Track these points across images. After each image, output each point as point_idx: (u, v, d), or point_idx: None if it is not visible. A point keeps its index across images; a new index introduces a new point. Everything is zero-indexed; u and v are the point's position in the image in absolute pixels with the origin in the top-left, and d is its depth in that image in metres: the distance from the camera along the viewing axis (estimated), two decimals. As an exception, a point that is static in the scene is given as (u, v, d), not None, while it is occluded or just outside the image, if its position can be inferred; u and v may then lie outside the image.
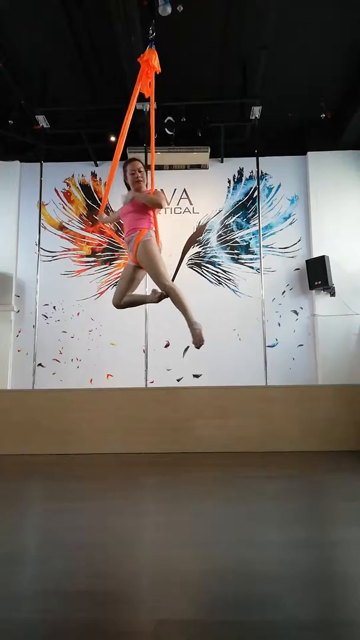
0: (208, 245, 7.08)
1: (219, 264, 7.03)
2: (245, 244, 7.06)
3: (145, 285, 5.27)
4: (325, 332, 6.63)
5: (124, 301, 3.75)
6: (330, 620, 1.58)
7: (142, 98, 5.54)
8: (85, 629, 1.54)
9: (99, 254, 7.11)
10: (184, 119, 6.30)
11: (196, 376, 6.70)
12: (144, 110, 6.01)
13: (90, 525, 2.70)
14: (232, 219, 7.13)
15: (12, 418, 5.01)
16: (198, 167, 7.09)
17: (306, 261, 6.81)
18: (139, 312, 5.91)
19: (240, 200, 7.16)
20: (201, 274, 7.00)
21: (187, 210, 7.17)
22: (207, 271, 7.01)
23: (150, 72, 3.63)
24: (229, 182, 7.22)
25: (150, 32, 3.77)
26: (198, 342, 3.32)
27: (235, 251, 7.05)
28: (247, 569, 1.99)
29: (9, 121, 6.32)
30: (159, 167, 6.66)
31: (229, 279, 6.98)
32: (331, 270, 6.53)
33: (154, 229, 3.71)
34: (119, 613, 1.63)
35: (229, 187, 7.20)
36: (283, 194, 7.14)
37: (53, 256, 7.09)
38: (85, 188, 7.26)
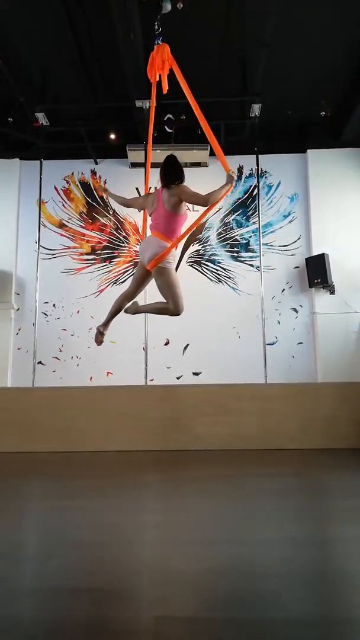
0: (208, 243, 7.08)
1: (219, 262, 7.03)
2: (245, 242, 7.07)
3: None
4: (324, 330, 6.64)
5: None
6: (330, 618, 1.59)
7: (143, 96, 5.54)
8: (86, 627, 1.55)
9: (99, 252, 7.11)
10: (184, 117, 6.29)
11: (196, 374, 6.71)
12: (144, 107, 6.00)
13: (91, 523, 2.70)
14: (232, 217, 7.13)
15: (12, 416, 5.01)
16: (198, 165, 7.07)
17: (306, 259, 6.82)
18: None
19: (240, 198, 7.16)
20: (201, 272, 7.01)
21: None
22: (206, 269, 7.01)
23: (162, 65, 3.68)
24: (229, 180, 7.20)
25: (156, 27, 3.79)
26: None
27: (235, 249, 7.05)
28: (247, 567, 2.00)
29: (9, 119, 6.31)
30: (159, 165, 6.63)
31: (229, 277, 6.99)
32: (331, 268, 6.54)
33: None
34: (120, 610, 1.64)
35: (228, 185, 7.19)
36: (283, 191, 7.14)
37: (53, 254, 7.09)
38: (85, 186, 7.26)
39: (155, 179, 6.39)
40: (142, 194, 5.05)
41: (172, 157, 3.66)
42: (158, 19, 3.88)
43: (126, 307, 3.75)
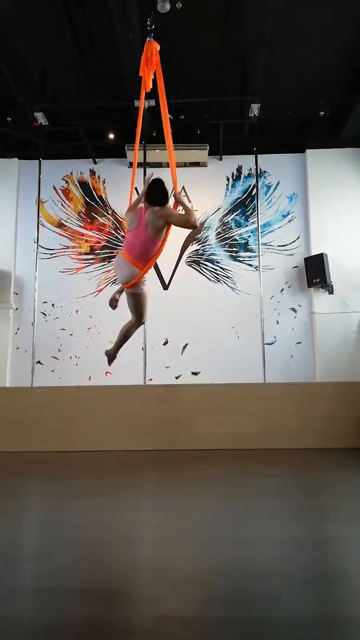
0: (207, 243, 7.08)
1: (218, 262, 7.03)
2: (243, 241, 7.06)
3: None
4: (323, 330, 6.64)
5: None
6: (330, 618, 1.59)
7: (145, 95, 5.50)
8: (86, 627, 1.55)
9: (98, 251, 7.10)
10: (183, 117, 6.28)
11: (195, 374, 6.71)
12: (145, 107, 5.98)
13: (91, 523, 2.70)
14: (231, 217, 7.12)
15: (11, 415, 5.01)
16: (197, 164, 7.07)
17: (304, 259, 6.82)
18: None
19: (238, 198, 7.16)
20: (200, 272, 7.00)
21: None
22: (205, 269, 7.01)
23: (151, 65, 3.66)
24: (228, 179, 7.21)
25: (149, 24, 3.79)
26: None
27: (234, 249, 7.05)
28: (247, 567, 2.00)
29: (8, 118, 6.30)
30: (158, 165, 6.64)
31: (228, 277, 6.98)
32: (329, 268, 6.54)
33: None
34: (120, 610, 1.64)
35: (227, 185, 7.20)
36: (282, 191, 7.13)
37: (52, 254, 7.08)
38: (83, 185, 7.25)
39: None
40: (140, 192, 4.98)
41: (158, 180, 3.59)
42: (151, 15, 3.87)
43: (107, 361, 4.23)
